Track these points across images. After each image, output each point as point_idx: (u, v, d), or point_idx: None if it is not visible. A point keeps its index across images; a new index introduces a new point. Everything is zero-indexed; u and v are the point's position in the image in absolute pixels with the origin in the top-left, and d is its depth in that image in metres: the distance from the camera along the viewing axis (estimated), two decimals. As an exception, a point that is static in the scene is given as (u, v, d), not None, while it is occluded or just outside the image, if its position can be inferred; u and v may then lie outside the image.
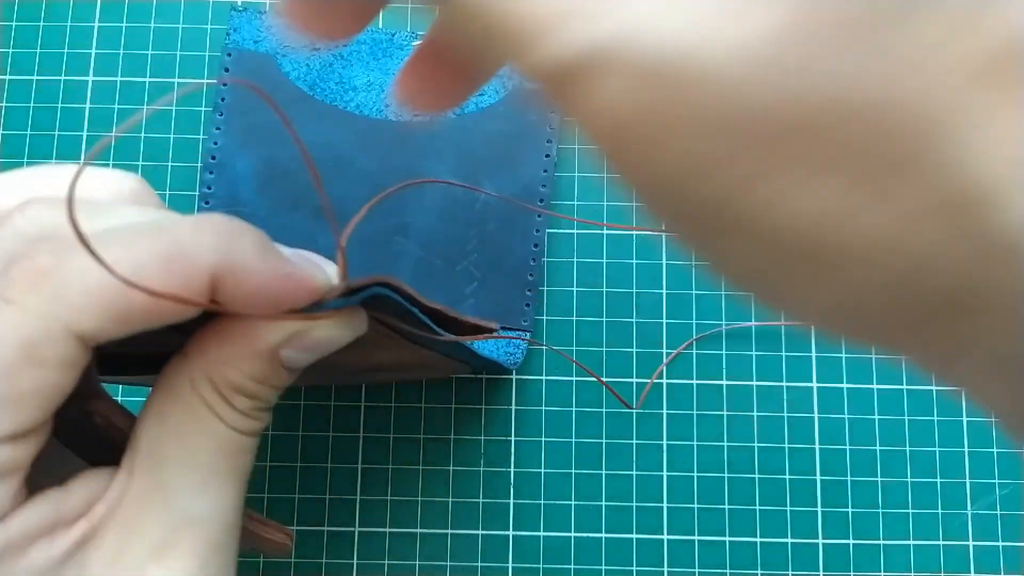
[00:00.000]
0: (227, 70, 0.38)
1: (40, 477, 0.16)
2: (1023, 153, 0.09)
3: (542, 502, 0.37)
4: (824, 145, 0.10)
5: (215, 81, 0.40)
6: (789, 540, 0.36)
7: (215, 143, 0.38)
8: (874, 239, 0.10)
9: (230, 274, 0.15)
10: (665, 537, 0.36)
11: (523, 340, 0.37)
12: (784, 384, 0.37)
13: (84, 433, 0.18)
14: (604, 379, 0.37)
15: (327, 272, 0.17)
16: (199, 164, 0.39)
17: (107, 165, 0.39)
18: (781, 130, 0.10)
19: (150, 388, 0.18)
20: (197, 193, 0.38)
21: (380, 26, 0.40)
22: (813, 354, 0.38)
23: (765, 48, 0.09)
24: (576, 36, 0.10)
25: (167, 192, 0.39)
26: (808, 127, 0.10)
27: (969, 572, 0.36)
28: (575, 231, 0.39)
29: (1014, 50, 0.09)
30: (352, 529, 0.36)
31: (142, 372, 0.20)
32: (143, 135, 0.39)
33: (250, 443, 0.18)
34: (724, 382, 0.37)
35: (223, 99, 0.38)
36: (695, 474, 0.37)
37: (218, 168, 0.38)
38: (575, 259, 0.39)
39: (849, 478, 0.37)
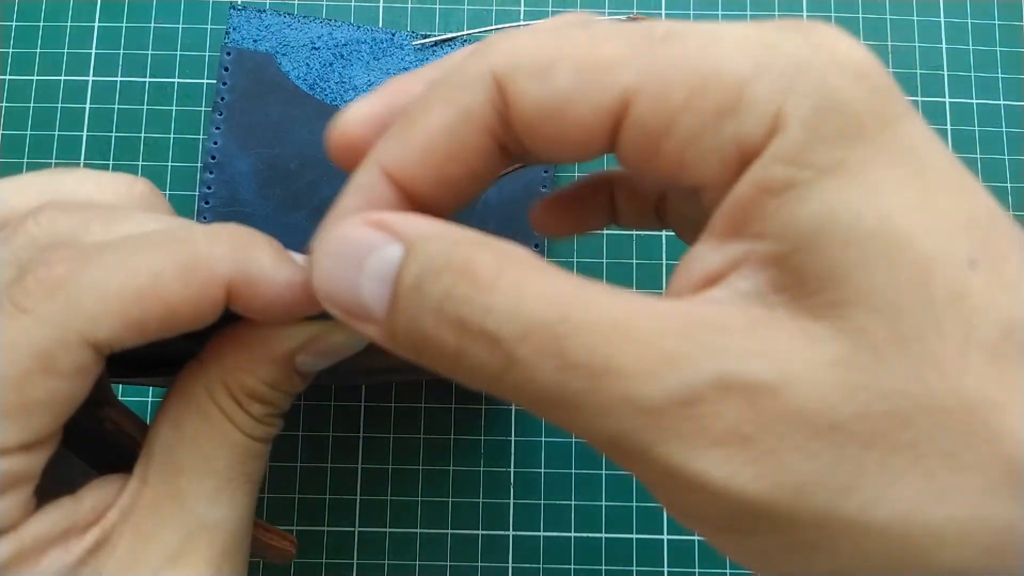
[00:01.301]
0: (227, 69, 0.38)
1: (46, 484, 0.16)
2: None
3: (542, 502, 0.37)
4: (898, 449, 0.11)
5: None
6: (789, 540, 0.36)
7: (215, 143, 0.38)
8: (958, 520, 0.11)
9: (245, 284, 0.15)
10: (665, 537, 0.36)
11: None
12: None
13: (93, 440, 0.18)
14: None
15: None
16: (199, 164, 0.39)
17: (107, 165, 0.39)
18: (865, 440, 0.11)
19: (151, 387, 0.18)
20: (197, 193, 0.38)
21: (380, 25, 0.40)
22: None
23: (835, 371, 0.12)
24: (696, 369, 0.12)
25: (167, 192, 0.39)
26: (881, 434, 0.11)
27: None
28: (575, 231, 0.39)
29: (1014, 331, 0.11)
30: (352, 529, 0.36)
31: (152, 375, 0.20)
32: (143, 135, 0.39)
33: (263, 449, 0.18)
34: (724, 382, 0.37)
35: (223, 99, 0.38)
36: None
37: (218, 168, 0.38)
38: (575, 259, 0.39)
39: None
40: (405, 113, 0.15)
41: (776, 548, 0.12)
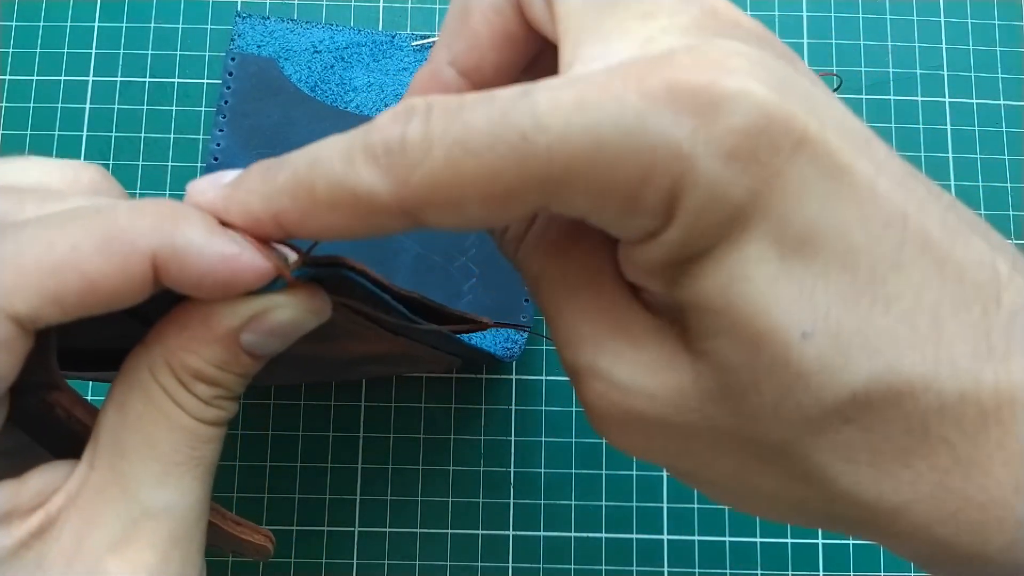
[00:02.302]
0: (231, 74, 0.39)
1: (8, 471, 0.16)
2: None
3: (542, 502, 0.37)
4: (719, 452, 0.16)
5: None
6: (789, 540, 0.36)
7: (217, 144, 0.38)
8: (769, 496, 0.16)
9: (173, 258, 0.15)
10: (665, 537, 0.36)
11: (517, 329, 0.37)
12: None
13: (48, 426, 0.18)
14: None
15: (283, 253, 0.16)
16: (199, 164, 0.39)
17: (107, 165, 0.39)
18: (688, 437, 0.16)
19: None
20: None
21: (380, 26, 0.40)
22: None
23: (679, 396, 0.16)
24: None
25: (167, 192, 0.39)
26: (696, 441, 0.16)
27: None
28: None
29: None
30: (352, 529, 0.36)
31: (110, 368, 0.20)
32: (143, 135, 0.39)
33: (213, 433, 0.17)
34: (724, 382, 0.37)
35: (226, 102, 0.38)
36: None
37: (219, 168, 0.38)
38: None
39: (849, 478, 0.37)
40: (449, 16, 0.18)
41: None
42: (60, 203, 0.16)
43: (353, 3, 0.41)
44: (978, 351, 0.14)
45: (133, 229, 0.15)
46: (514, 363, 0.38)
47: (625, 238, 0.15)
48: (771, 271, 0.14)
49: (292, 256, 0.17)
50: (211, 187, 0.17)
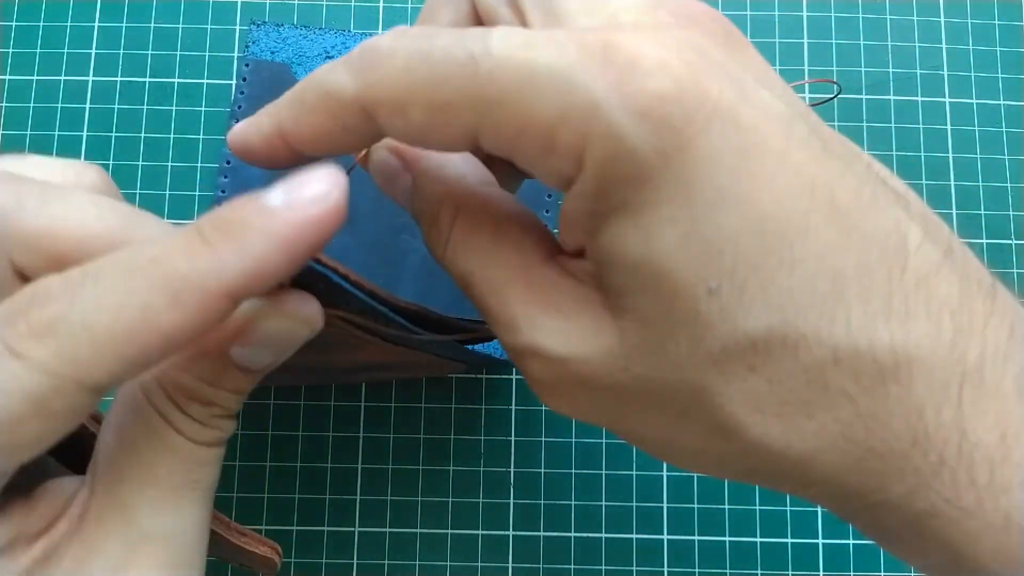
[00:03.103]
0: (245, 79, 0.39)
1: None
2: None
3: (542, 502, 0.37)
4: (646, 407, 0.17)
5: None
6: (789, 540, 0.36)
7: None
8: (690, 448, 0.17)
9: (250, 283, 0.14)
10: (665, 537, 0.36)
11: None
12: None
13: (73, 445, 0.17)
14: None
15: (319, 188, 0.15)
16: (199, 164, 0.39)
17: (107, 166, 0.39)
18: (620, 399, 0.17)
19: None
20: (212, 195, 0.39)
21: (380, 26, 0.40)
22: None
23: (607, 356, 0.17)
24: None
25: (167, 192, 0.39)
26: (632, 398, 0.17)
27: (969, 572, 0.36)
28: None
29: None
30: (352, 529, 0.36)
31: None
32: (143, 135, 0.39)
33: (211, 455, 0.17)
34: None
35: (240, 107, 0.39)
36: (695, 474, 0.37)
37: (232, 172, 0.38)
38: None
39: (849, 478, 0.37)
40: (293, 98, 0.17)
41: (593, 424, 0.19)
42: (63, 202, 0.16)
43: (353, 3, 0.41)
44: (875, 312, 0.15)
45: (197, 269, 0.14)
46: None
47: (548, 183, 0.16)
48: (682, 231, 0.15)
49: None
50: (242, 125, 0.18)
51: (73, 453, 0.17)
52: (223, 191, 0.38)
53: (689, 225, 0.14)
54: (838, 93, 0.39)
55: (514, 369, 0.37)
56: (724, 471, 0.18)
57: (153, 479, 0.16)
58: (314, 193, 0.14)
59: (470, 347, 0.30)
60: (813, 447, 0.15)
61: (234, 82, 0.40)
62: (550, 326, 0.17)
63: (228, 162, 0.38)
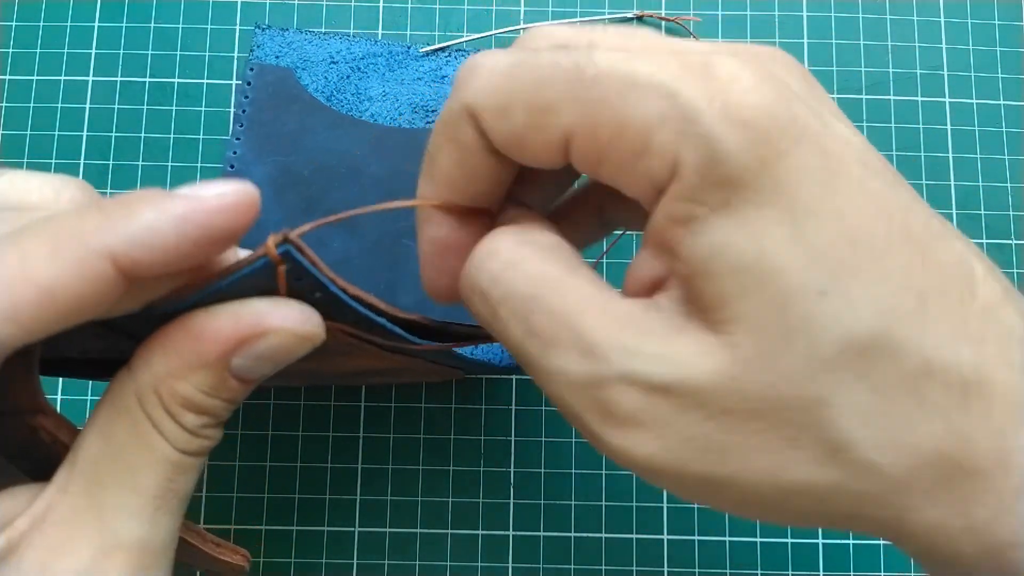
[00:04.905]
0: (249, 83, 0.39)
1: None
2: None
3: (542, 502, 0.37)
4: (754, 433, 0.15)
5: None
6: (789, 540, 0.36)
7: (234, 152, 0.38)
8: (797, 482, 0.16)
9: (137, 246, 0.14)
10: (665, 537, 0.36)
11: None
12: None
13: (29, 449, 0.17)
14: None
15: (232, 189, 0.15)
16: (199, 164, 0.39)
17: (107, 165, 0.39)
18: (729, 428, 0.15)
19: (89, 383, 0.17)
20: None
21: (380, 26, 0.40)
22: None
23: (715, 377, 0.16)
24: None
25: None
26: (742, 424, 0.16)
27: (969, 572, 0.36)
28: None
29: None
30: (352, 529, 0.36)
31: (90, 377, 0.19)
32: (143, 135, 0.39)
33: (196, 464, 0.17)
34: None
35: (244, 111, 0.39)
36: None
37: (235, 175, 0.38)
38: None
39: (849, 478, 0.37)
40: (427, 153, 0.19)
41: (671, 488, 0.17)
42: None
43: (353, 3, 0.41)
44: (955, 332, 0.15)
45: (82, 229, 0.14)
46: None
47: (632, 191, 0.16)
48: (788, 234, 0.15)
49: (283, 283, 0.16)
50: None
51: (32, 461, 0.17)
52: None
53: (792, 228, 0.15)
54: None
55: (514, 370, 0.37)
56: (826, 514, 0.16)
57: (135, 486, 0.16)
58: (218, 190, 0.15)
59: (468, 354, 0.30)
60: (913, 463, 0.15)
61: (234, 82, 0.40)
62: (648, 351, 0.15)
63: (232, 166, 0.38)
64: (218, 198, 0.15)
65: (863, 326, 0.15)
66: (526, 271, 0.17)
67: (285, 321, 0.16)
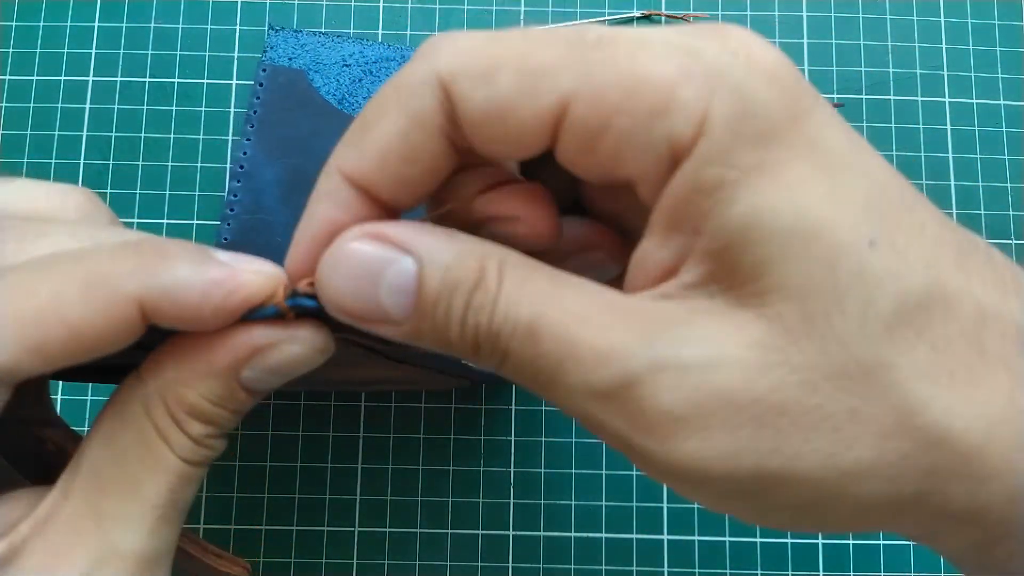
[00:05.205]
0: (261, 84, 0.39)
1: None
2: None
3: (542, 502, 0.37)
4: (808, 411, 0.14)
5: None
6: (789, 540, 0.36)
7: (244, 153, 0.38)
8: (863, 461, 0.14)
9: (163, 297, 0.14)
10: (665, 537, 0.36)
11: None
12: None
13: (35, 458, 0.17)
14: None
15: (268, 272, 0.16)
16: (198, 164, 0.39)
17: (107, 166, 0.39)
18: (780, 408, 0.14)
19: (89, 386, 0.17)
20: (213, 195, 0.39)
21: (380, 26, 0.40)
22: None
23: (754, 352, 0.14)
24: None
25: (167, 192, 0.39)
26: (794, 401, 0.14)
27: (969, 572, 0.36)
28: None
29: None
30: (352, 529, 0.36)
31: (99, 381, 0.19)
32: (143, 135, 0.39)
33: (197, 474, 0.17)
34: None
35: (255, 112, 0.39)
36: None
37: (245, 177, 0.38)
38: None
39: (849, 478, 0.37)
40: (361, 117, 0.16)
41: (718, 498, 0.15)
42: (43, 240, 0.15)
43: (353, 3, 0.41)
44: (996, 282, 0.15)
45: (116, 273, 0.14)
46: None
47: (643, 159, 0.14)
48: (827, 189, 0.14)
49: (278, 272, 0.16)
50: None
51: (35, 466, 0.17)
52: (235, 195, 0.38)
53: (830, 182, 0.14)
54: (838, 107, 0.39)
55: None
56: (890, 502, 0.14)
57: (137, 495, 0.16)
58: (257, 266, 0.15)
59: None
60: (987, 422, 0.14)
61: (234, 82, 0.40)
62: (676, 335, 0.14)
63: (241, 167, 0.38)
64: (254, 275, 0.15)
65: (918, 278, 0.14)
66: (524, 293, 0.15)
67: (297, 333, 0.16)
